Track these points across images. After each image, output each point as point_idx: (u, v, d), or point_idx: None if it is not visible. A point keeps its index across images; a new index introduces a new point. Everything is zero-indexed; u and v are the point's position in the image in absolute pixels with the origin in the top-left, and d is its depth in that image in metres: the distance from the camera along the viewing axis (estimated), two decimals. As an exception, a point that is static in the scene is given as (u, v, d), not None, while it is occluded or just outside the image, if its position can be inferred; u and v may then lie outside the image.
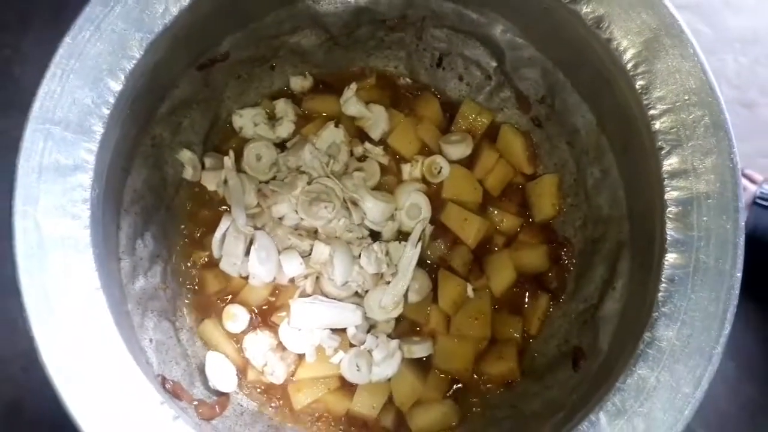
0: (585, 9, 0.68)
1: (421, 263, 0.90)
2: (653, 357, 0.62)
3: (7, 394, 1.14)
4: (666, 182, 0.65)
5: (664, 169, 0.65)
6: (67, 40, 0.62)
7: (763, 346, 1.20)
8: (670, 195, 0.65)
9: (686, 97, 0.65)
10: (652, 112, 0.66)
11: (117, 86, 0.63)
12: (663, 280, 0.64)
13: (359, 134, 0.94)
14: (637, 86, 0.67)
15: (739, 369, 1.19)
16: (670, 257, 0.64)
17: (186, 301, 0.88)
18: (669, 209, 0.65)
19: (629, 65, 0.67)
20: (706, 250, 0.63)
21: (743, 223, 0.63)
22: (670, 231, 0.64)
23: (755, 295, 1.19)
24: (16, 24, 1.24)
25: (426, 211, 0.91)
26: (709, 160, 0.64)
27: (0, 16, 1.25)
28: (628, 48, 0.67)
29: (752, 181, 1.18)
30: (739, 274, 0.62)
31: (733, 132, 1.25)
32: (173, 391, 0.74)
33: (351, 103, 0.92)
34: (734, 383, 1.19)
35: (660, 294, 0.64)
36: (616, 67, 0.68)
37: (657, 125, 0.66)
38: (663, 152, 0.65)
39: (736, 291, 0.62)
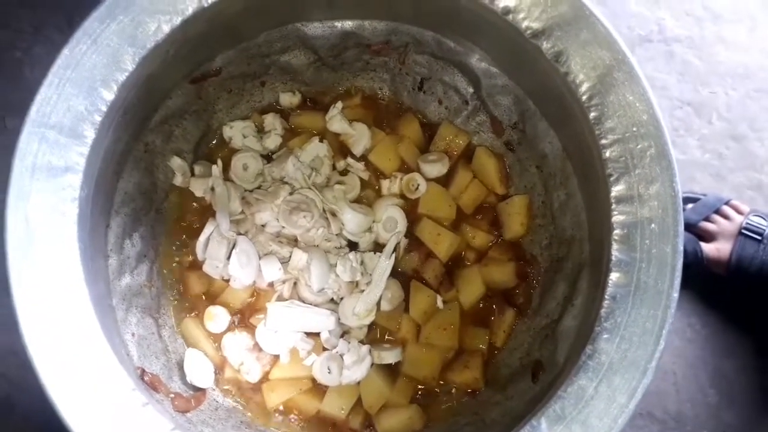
0: (546, 44, 0.72)
1: (395, 274, 0.93)
2: (593, 368, 0.66)
3: (1, 389, 1.14)
4: (613, 207, 0.69)
5: (612, 194, 0.69)
6: (65, 51, 0.67)
7: (744, 374, 1.21)
8: (617, 218, 0.69)
9: (635, 129, 0.69)
10: (603, 141, 0.70)
11: (109, 96, 0.68)
12: (606, 297, 0.68)
13: (342, 149, 0.98)
14: (591, 117, 0.71)
15: (720, 396, 1.20)
16: (614, 276, 0.68)
17: (169, 299, 0.92)
18: (615, 231, 0.69)
19: (584, 97, 0.71)
20: (647, 271, 0.67)
21: (681, 248, 0.67)
22: (615, 252, 0.68)
23: (738, 324, 1.22)
24: (30, 29, 1.27)
25: (402, 224, 0.94)
26: (653, 187, 0.68)
27: (15, 23, 1.27)
28: (583, 81, 0.71)
29: (739, 212, 1.19)
30: (676, 295, 0.66)
31: (722, 164, 1.29)
32: (151, 383, 0.78)
33: (336, 121, 0.96)
34: (715, 410, 1.20)
35: (603, 310, 0.67)
36: (573, 98, 0.72)
37: (607, 153, 0.70)
38: (612, 179, 0.70)
39: (672, 310, 0.66)
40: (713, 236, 1.18)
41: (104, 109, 0.68)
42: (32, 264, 0.64)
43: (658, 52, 1.35)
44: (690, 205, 1.22)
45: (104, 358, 0.64)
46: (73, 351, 0.64)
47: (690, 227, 1.19)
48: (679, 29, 1.36)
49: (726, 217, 1.19)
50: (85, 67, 0.67)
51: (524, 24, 0.73)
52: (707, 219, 1.20)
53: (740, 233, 1.15)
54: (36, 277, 0.64)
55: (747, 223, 1.16)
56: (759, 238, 1.14)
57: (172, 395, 0.81)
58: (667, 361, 1.20)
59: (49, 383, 0.62)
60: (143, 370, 0.78)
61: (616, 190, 0.70)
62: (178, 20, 0.70)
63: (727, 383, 1.21)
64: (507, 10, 0.73)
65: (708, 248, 1.17)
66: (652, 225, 0.68)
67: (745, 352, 1.22)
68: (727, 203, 1.21)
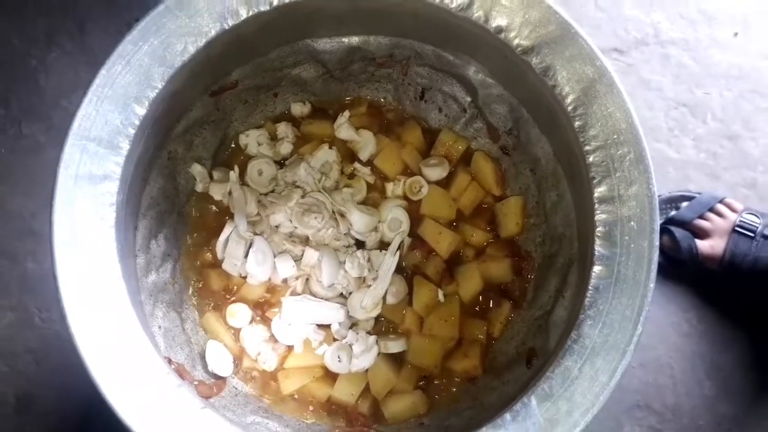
0: (535, 60, 0.78)
1: (399, 270, 0.97)
2: (578, 351, 0.72)
3: (19, 387, 1.16)
4: (596, 206, 0.75)
5: (595, 195, 0.75)
6: (103, 71, 0.73)
7: (739, 366, 1.22)
8: (599, 217, 0.75)
9: (615, 136, 0.75)
10: (587, 147, 0.76)
11: (141, 111, 0.74)
12: (590, 288, 0.73)
13: (350, 155, 1.02)
14: (576, 126, 0.77)
15: (716, 388, 1.21)
16: (597, 269, 0.74)
17: (191, 295, 0.97)
18: (598, 229, 0.75)
19: (570, 108, 0.77)
20: (626, 264, 0.73)
21: (657, 243, 0.73)
22: (598, 247, 0.74)
23: (733, 318, 1.23)
24: (43, 36, 1.29)
25: (405, 224, 0.98)
26: (632, 189, 0.74)
27: (30, 30, 1.29)
28: (569, 93, 0.77)
29: (733, 210, 1.20)
30: (652, 285, 0.72)
31: (717, 163, 1.31)
32: (177, 372, 0.82)
33: (343, 128, 1.01)
34: (711, 401, 1.21)
35: (587, 299, 0.73)
36: (560, 108, 0.78)
37: (591, 159, 0.76)
38: (595, 181, 0.76)
39: (649, 298, 0.71)
40: (708, 233, 1.19)
41: (137, 122, 0.74)
42: (76, 262, 0.70)
43: (653, 54, 1.35)
44: (685, 203, 1.22)
45: (141, 345, 0.71)
46: (113, 339, 0.70)
47: (685, 224, 1.20)
48: (674, 32, 1.36)
49: (720, 215, 1.20)
50: (120, 86, 0.74)
51: (515, 42, 0.79)
52: (702, 217, 1.20)
53: (734, 230, 1.16)
54: (80, 274, 0.70)
55: (740, 221, 1.16)
56: (752, 235, 1.14)
57: (196, 382, 0.86)
58: (665, 355, 1.22)
59: (96, 371, 0.68)
60: (170, 360, 0.83)
61: (599, 191, 0.75)
62: (202, 41, 0.76)
63: (723, 376, 1.22)
64: (499, 29, 0.79)
65: (702, 245, 1.18)
66: (631, 222, 0.74)
67: (740, 345, 1.23)
68: (721, 201, 1.21)
